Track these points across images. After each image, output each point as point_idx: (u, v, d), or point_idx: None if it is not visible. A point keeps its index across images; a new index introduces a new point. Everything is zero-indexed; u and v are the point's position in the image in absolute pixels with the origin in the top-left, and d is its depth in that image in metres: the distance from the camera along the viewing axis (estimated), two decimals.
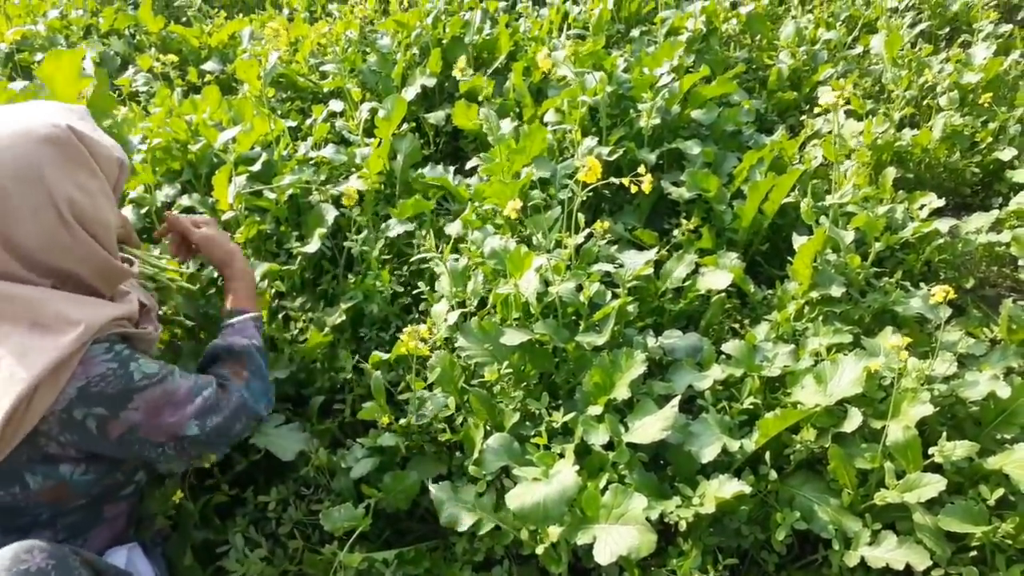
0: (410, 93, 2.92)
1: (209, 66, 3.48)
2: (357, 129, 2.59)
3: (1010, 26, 3.39)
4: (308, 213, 2.35)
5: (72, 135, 1.28)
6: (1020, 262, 2.19)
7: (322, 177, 2.50)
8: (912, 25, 3.43)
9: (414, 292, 2.15)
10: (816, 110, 2.06)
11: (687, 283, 2.05)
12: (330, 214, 2.28)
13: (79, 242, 1.29)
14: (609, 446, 1.55)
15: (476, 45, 3.17)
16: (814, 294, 1.90)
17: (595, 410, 1.61)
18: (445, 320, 1.86)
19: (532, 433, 1.63)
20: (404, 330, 1.62)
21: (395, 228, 2.32)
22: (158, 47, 3.63)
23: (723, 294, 2.03)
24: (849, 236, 2.02)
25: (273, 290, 2.16)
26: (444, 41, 3.18)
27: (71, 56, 1.87)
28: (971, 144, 2.71)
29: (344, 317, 2.01)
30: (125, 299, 1.43)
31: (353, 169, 2.56)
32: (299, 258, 2.18)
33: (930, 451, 1.48)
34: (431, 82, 2.97)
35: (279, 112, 3.01)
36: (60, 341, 1.21)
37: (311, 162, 2.52)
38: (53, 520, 1.33)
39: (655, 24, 3.22)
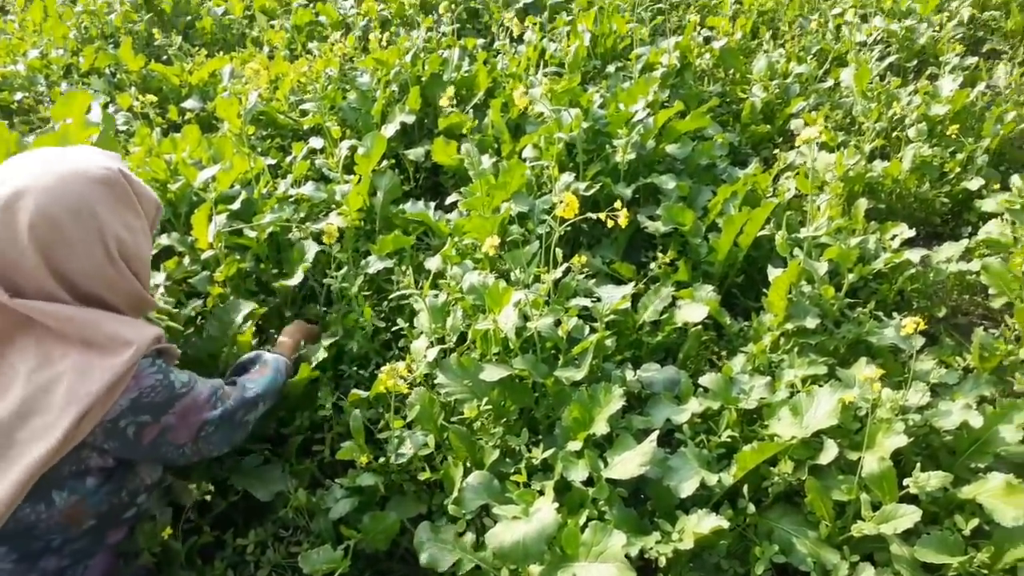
0: (390, 130, 2.95)
1: (189, 104, 3.49)
2: (337, 166, 2.61)
3: (975, 58, 3.48)
4: (288, 250, 2.36)
5: (122, 178, 1.43)
6: (990, 291, 2.23)
7: (302, 214, 2.51)
8: (881, 58, 3.51)
9: (394, 328, 2.15)
10: (792, 145, 2.11)
11: (664, 316, 2.07)
12: (311, 250, 2.29)
13: (122, 277, 1.42)
14: (589, 482, 1.55)
15: (455, 82, 3.21)
16: (789, 325, 1.93)
17: (574, 446, 1.62)
18: (424, 357, 1.87)
19: (512, 470, 1.63)
20: (383, 368, 1.63)
21: (375, 264, 2.33)
22: (138, 86, 3.65)
23: (700, 326, 2.05)
24: (823, 267, 2.06)
25: (254, 328, 2.16)
26: (423, 78, 3.22)
27: (81, 99, 1.96)
28: (940, 174, 2.77)
29: (325, 355, 2.01)
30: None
31: (333, 206, 2.58)
32: (281, 293, 2.19)
33: (905, 482, 1.49)
34: (411, 119, 3.00)
35: (259, 150, 3.03)
36: (117, 360, 1.33)
37: (291, 199, 2.54)
38: (62, 546, 1.39)
39: (630, 60, 3.28)
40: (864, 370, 1.55)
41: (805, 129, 1.80)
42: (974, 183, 2.68)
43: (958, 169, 2.74)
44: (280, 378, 1.78)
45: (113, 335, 1.35)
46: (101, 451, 1.36)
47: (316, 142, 2.92)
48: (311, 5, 4.31)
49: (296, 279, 2.17)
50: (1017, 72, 3.28)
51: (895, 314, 2.05)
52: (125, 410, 1.35)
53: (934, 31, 3.63)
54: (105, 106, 2.27)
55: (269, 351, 1.86)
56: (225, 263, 2.14)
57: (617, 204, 1.81)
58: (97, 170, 1.39)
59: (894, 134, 2.97)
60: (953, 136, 2.82)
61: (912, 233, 2.32)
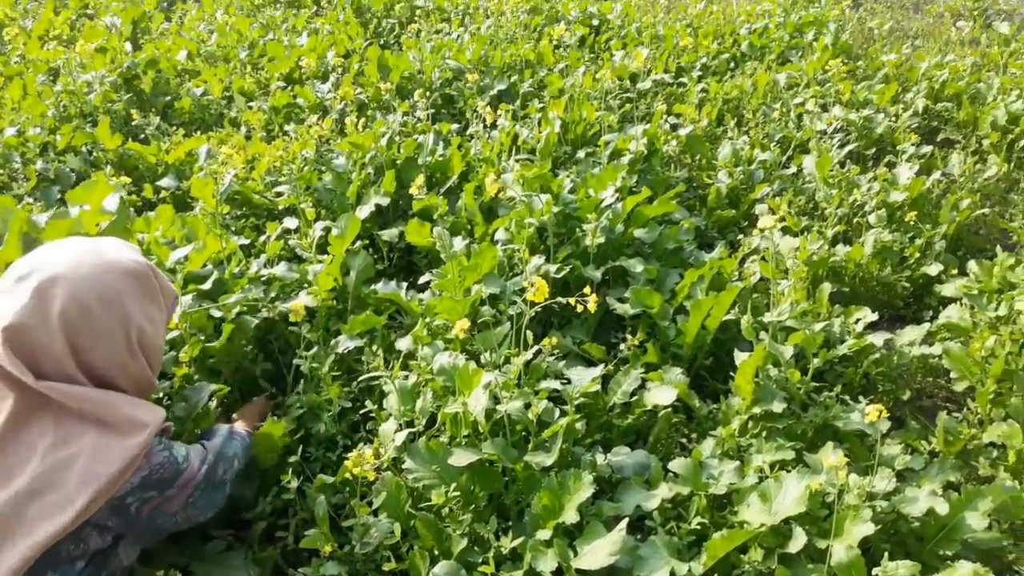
0: (364, 211, 2.98)
1: (165, 182, 3.51)
2: (310, 247, 2.63)
3: (930, 147, 3.63)
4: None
5: (150, 272, 1.53)
6: (952, 374, 2.27)
7: (273, 294, 2.51)
8: (841, 146, 3.65)
9: (363, 411, 2.13)
10: (755, 232, 2.17)
11: (634, 398, 2.08)
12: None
13: (136, 363, 1.50)
14: (558, 572, 1.53)
15: (429, 165, 3.28)
16: (757, 409, 1.94)
17: (544, 534, 1.59)
18: (393, 440, 1.85)
19: (480, 560, 1.60)
20: (350, 455, 1.61)
21: (345, 344, 2.32)
22: (114, 164, 3.67)
23: (669, 409, 2.06)
24: (789, 351, 2.09)
25: (219, 410, 2.13)
26: (399, 162, 3.28)
27: (101, 188, 2.05)
28: (901, 259, 2.85)
29: (290, 440, 1.98)
30: None
31: (305, 285, 2.58)
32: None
33: (875, 571, 1.49)
34: (385, 201, 3.05)
35: (233, 229, 3.04)
36: (134, 440, 1.39)
37: (263, 279, 2.54)
38: None
39: (599, 146, 3.38)
40: (830, 456, 1.56)
41: (763, 218, 1.86)
42: (933, 268, 2.76)
43: (918, 254, 2.83)
44: (248, 440, 1.87)
45: (130, 417, 1.42)
46: (102, 529, 1.39)
47: (291, 222, 2.94)
48: (289, 88, 4.41)
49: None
50: (970, 161, 3.42)
51: (861, 397, 2.08)
52: (135, 487, 1.41)
53: (891, 121, 3.79)
54: (141, 209, 2.35)
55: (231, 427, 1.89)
56: (190, 344, 2.13)
57: (587, 289, 1.85)
58: (129, 263, 1.49)
59: (855, 220, 3.06)
60: (912, 222, 2.92)
61: (875, 317, 2.38)
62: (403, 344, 2.33)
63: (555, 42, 4.64)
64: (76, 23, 6.18)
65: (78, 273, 1.41)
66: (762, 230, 1.89)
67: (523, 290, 2.32)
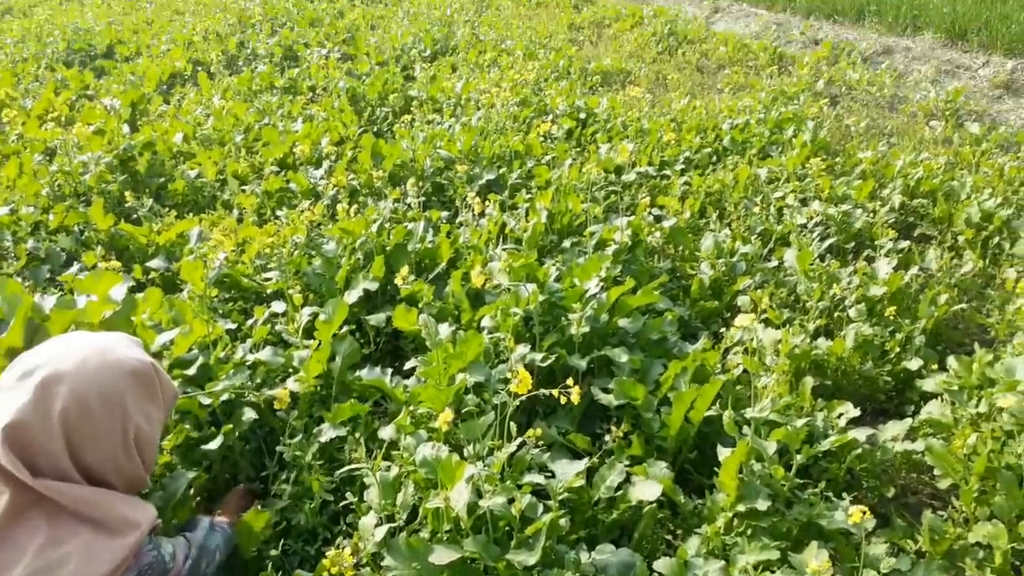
0: (353, 296, 3.01)
1: (155, 263, 3.54)
2: (297, 332, 2.64)
3: (908, 242, 3.72)
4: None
5: (152, 370, 1.54)
6: (935, 472, 2.27)
7: (258, 380, 2.50)
8: (821, 239, 3.74)
9: (343, 503, 2.10)
10: (735, 326, 2.20)
11: (619, 493, 2.06)
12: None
13: (131, 462, 1.51)
14: None
15: (418, 252, 3.33)
16: (741, 507, 1.93)
17: None
18: (372, 535, 1.82)
19: None
20: (328, 552, 1.58)
21: (328, 432, 2.31)
22: (105, 244, 3.70)
23: (654, 504, 2.04)
24: (772, 447, 2.09)
25: (200, 498, 2.09)
26: (388, 248, 3.33)
27: (108, 279, 2.16)
28: (882, 353, 2.89)
29: (271, 531, 1.94)
30: None
31: (291, 371, 2.58)
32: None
33: None
34: (373, 286, 3.08)
35: (221, 312, 3.05)
36: (124, 542, 1.39)
37: (248, 364, 2.54)
38: None
39: (585, 236, 3.45)
40: (814, 560, 1.55)
41: (742, 315, 1.89)
42: (914, 363, 2.79)
43: (898, 349, 2.86)
44: (229, 531, 1.87)
45: (123, 517, 1.42)
46: None
47: (278, 306, 2.96)
48: (283, 173, 4.50)
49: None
50: (947, 256, 3.51)
51: (845, 494, 2.07)
52: None
53: (868, 216, 3.89)
54: (132, 289, 2.38)
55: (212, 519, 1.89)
56: (174, 432, 2.11)
57: (570, 380, 1.86)
58: (133, 362, 1.50)
59: (836, 314, 3.11)
60: (891, 317, 2.97)
61: (857, 412, 2.39)
62: (386, 432, 2.31)
63: (543, 135, 4.78)
64: (76, 104, 6.33)
65: (82, 371, 1.42)
66: (741, 327, 1.92)
67: (508, 380, 2.33)
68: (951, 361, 2.69)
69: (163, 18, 10.00)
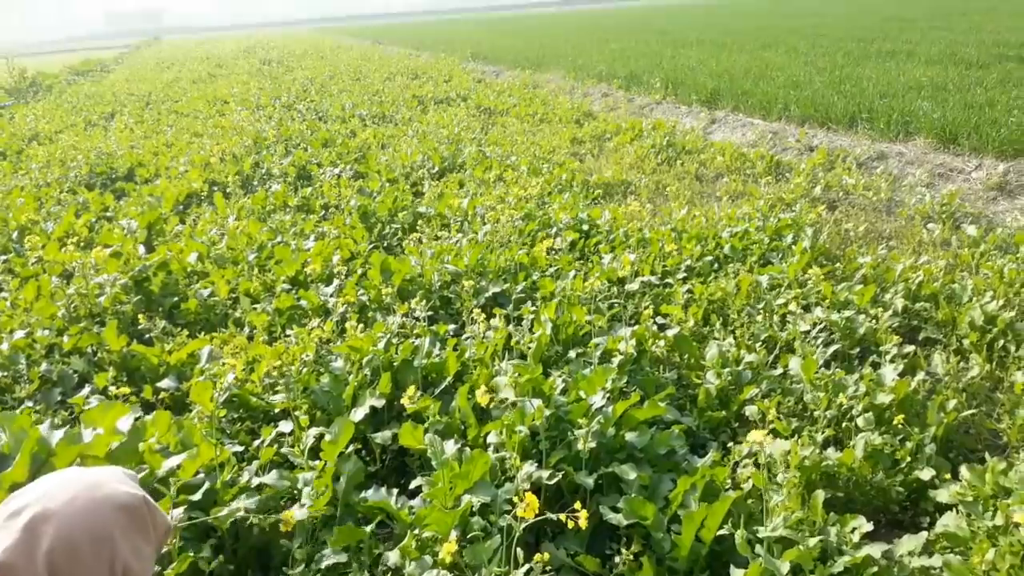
0: (359, 414, 3.03)
1: (165, 383, 3.58)
2: (302, 454, 2.64)
3: (913, 347, 3.73)
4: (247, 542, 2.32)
5: (144, 506, 1.52)
6: None
7: (264, 503, 2.49)
8: (826, 345, 3.76)
9: None
10: (745, 442, 2.19)
11: None
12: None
13: None
14: None
15: (425, 367, 3.36)
16: None
17: None
18: None
19: None
20: None
21: (330, 558, 2.28)
22: (117, 365, 3.75)
23: None
24: (785, 567, 2.05)
25: None
26: (395, 363, 3.37)
27: (115, 411, 2.09)
28: (893, 463, 2.85)
29: None
30: None
31: (296, 492, 2.57)
32: None
33: None
34: (380, 403, 3.10)
35: (228, 432, 3.07)
36: None
37: (254, 487, 2.53)
38: None
39: (590, 348, 3.48)
40: None
41: (752, 433, 1.90)
42: (926, 473, 2.75)
43: (909, 458, 2.83)
44: None
45: None
46: None
47: (285, 426, 2.98)
48: (294, 290, 4.61)
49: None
50: (953, 360, 3.51)
51: None
52: None
53: (871, 322, 3.92)
54: (143, 408, 2.43)
55: None
56: (177, 560, 2.09)
57: (577, 504, 1.85)
58: (123, 496, 1.49)
59: (844, 424, 3.10)
60: (899, 425, 2.95)
61: (870, 527, 2.34)
62: (392, 558, 2.28)
63: (547, 250, 4.89)
64: (95, 225, 6.55)
65: (70, 509, 1.42)
66: (753, 443, 1.93)
67: (514, 502, 2.31)
68: (964, 471, 2.65)
69: (182, 141, 10.45)
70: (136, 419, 2.29)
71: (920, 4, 29.78)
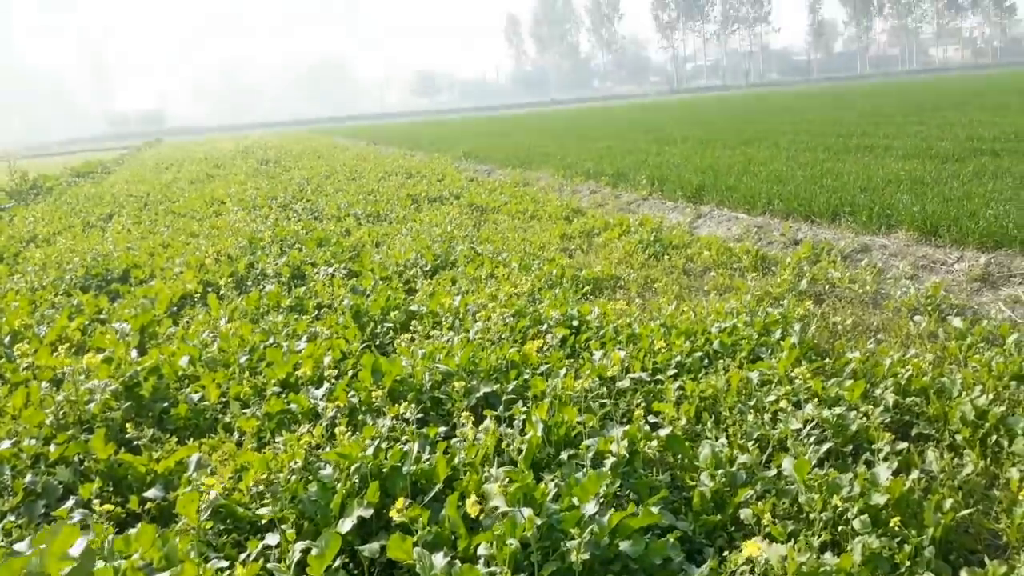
0: (347, 524, 2.98)
1: (151, 493, 3.52)
2: (288, 569, 2.59)
3: (906, 443, 3.72)
4: None
5: None
6: None
7: None
8: (819, 442, 3.74)
9: None
10: (742, 551, 2.16)
11: None
12: None
13: None
14: None
15: (414, 473, 3.33)
16: None
17: None
18: None
19: None
20: None
21: None
22: (103, 475, 3.70)
23: None
24: None
25: None
26: (384, 470, 3.33)
27: (66, 535, 2.10)
28: (892, 567, 2.80)
29: None
30: None
31: None
32: None
33: None
34: (368, 512, 3.05)
35: (215, 545, 3.00)
36: None
37: None
38: None
39: (582, 449, 3.46)
40: None
41: (747, 545, 1.88)
42: None
43: (908, 561, 2.78)
44: None
45: None
46: None
47: (272, 538, 2.92)
48: (284, 393, 4.59)
49: None
50: (947, 457, 3.50)
51: None
52: None
53: (862, 418, 3.91)
54: (127, 520, 2.40)
55: None
56: None
57: None
58: None
59: (840, 526, 3.05)
60: (896, 527, 2.91)
61: None
62: None
63: (538, 348, 4.92)
64: (88, 328, 6.57)
65: None
66: (748, 560, 1.90)
67: None
68: (964, 575, 2.60)
69: (179, 241, 10.61)
70: (88, 543, 2.24)
71: (895, 100, 31.02)
